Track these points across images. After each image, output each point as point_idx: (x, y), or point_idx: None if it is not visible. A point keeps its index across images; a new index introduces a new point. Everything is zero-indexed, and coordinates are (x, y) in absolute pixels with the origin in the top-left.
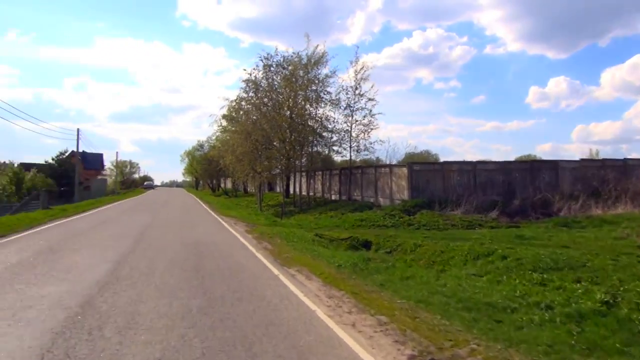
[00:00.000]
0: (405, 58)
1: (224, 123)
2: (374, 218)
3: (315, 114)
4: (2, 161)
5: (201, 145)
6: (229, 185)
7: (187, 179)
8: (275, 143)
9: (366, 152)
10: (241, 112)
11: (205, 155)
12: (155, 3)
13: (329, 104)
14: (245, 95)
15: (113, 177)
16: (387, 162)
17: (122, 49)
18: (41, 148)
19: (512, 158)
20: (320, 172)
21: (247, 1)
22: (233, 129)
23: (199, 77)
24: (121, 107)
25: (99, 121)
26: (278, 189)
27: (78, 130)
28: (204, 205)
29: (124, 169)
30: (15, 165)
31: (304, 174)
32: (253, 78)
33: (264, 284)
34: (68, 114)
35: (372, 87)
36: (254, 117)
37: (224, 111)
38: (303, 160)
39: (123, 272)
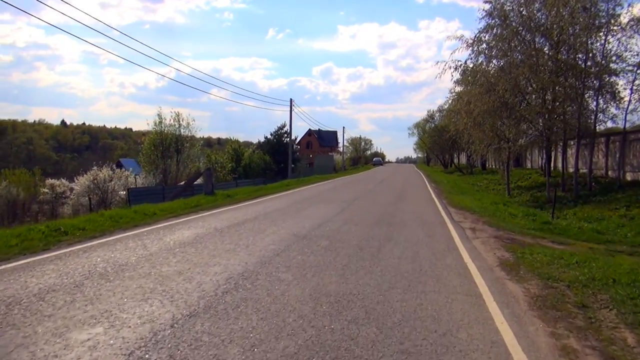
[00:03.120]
0: None
1: (455, 80)
2: None
3: (603, 48)
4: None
5: (431, 116)
6: (462, 160)
7: (420, 155)
8: (527, 98)
9: None
10: (480, 59)
11: (436, 127)
12: None
13: (627, 28)
14: (485, 35)
15: (348, 154)
16: None
17: (360, 34)
18: (297, 131)
19: None
20: (603, 138)
21: None
22: (469, 80)
23: (434, 53)
24: (360, 89)
25: (341, 103)
26: (528, 164)
27: (291, 100)
28: (429, 185)
29: (358, 145)
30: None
31: (571, 142)
32: (498, 7)
33: None
34: (315, 98)
35: None
36: (500, 63)
37: (458, 54)
38: (574, 120)
39: None
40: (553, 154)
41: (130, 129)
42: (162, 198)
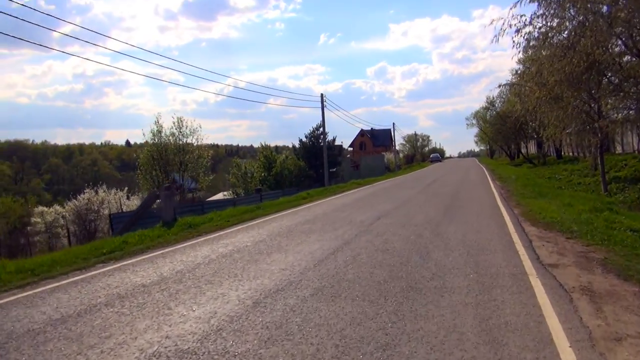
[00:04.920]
0: None
1: (517, 43)
2: None
3: None
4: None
5: (492, 103)
6: (532, 149)
7: (483, 147)
8: (619, 60)
9: None
10: (550, 10)
11: (497, 113)
12: None
13: None
14: None
15: (405, 152)
16: None
17: (412, 30)
18: (351, 133)
19: None
20: None
21: None
22: (539, 41)
23: (489, 42)
24: (416, 85)
25: (398, 102)
26: (618, 148)
27: (322, 95)
28: (492, 184)
29: (415, 142)
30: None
31: None
32: None
33: None
34: (371, 99)
35: None
36: (580, 17)
37: (516, 10)
38: None
39: None
40: None
41: (192, 144)
42: (158, 221)
